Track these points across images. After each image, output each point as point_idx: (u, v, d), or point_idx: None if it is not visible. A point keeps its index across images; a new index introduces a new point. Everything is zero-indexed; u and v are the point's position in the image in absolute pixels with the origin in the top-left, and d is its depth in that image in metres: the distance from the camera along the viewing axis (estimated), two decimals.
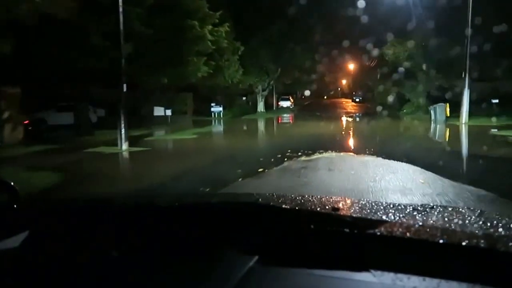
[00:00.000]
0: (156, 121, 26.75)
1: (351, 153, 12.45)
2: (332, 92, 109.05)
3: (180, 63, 18.44)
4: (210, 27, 18.80)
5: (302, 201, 1.30)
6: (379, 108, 45.10)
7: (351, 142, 16.60)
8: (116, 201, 1.57)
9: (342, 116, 35.22)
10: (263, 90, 39.59)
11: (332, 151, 11.86)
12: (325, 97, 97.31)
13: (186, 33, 17.52)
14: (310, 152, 11.36)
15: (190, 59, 18.78)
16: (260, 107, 40.06)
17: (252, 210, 1.21)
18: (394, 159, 9.98)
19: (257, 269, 0.97)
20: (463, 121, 22.41)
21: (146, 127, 22.78)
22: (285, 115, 39.26)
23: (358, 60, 73.22)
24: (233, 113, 39.32)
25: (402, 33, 31.56)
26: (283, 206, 1.23)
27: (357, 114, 39.18)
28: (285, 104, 53.31)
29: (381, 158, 10.33)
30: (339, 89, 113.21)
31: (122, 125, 13.98)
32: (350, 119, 31.91)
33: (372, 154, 11.19)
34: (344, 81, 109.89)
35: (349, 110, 45.32)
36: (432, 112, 25.02)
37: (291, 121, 33.37)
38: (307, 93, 69.53)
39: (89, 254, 1.12)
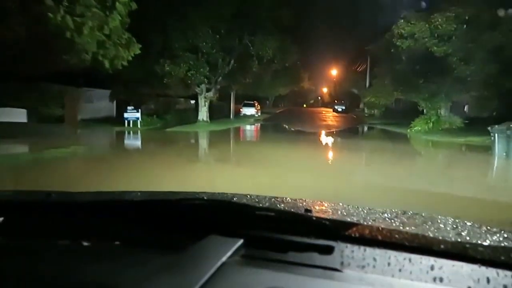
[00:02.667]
0: None
1: None
2: (312, 101, 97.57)
3: None
4: None
5: (276, 202, 1.28)
6: (371, 122, 31.94)
7: None
8: (94, 194, 1.41)
9: (319, 134, 21.77)
10: (208, 90, 26.02)
11: None
12: (305, 106, 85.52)
13: None
14: None
15: None
16: (203, 114, 26.40)
17: (228, 208, 1.21)
18: None
19: (243, 251, 0.98)
20: None
21: None
22: (236, 128, 25.73)
23: (342, 63, 60.43)
24: (163, 122, 25.82)
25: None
26: (258, 205, 1.22)
27: (341, 130, 25.69)
28: (248, 111, 39.88)
29: None
30: (319, 98, 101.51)
31: None
32: (329, 141, 18.46)
33: None
34: (325, 89, 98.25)
35: (329, 123, 31.94)
36: (498, 138, 11.83)
37: (236, 140, 19.80)
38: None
39: (60, 243, 1.09)
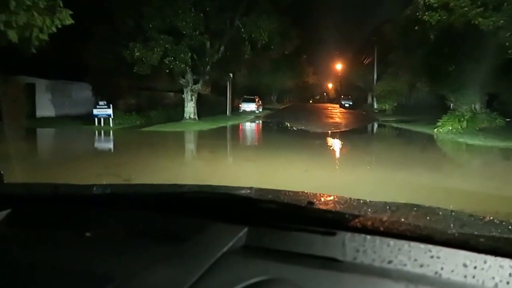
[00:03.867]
0: None
1: None
2: (317, 97, 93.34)
3: None
4: None
5: (279, 194, 1.24)
6: (383, 119, 27.29)
7: None
8: (98, 186, 1.43)
9: (328, 137, 17.17)
10: (195, 81, 21.47)
11: None
12: (311, 101, 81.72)
13: None
14: None
15: None
16: (189, 111, 21.79)
17: (231, 199, 1.18)
18: None
19: (244, 241, 0.97)
20: None
21: None
22: (229, 128, 21.26)
23: (347, 56, 55.55)
24: (145, 120, 21.46)
25: None
26: (261, 198, 1.20)
27: (352, 130, 21.11)
28: (248, 107, 35.27)
29: None
30: (325, 93, 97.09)
31: None
32: (341, 147, 13.87)
33: None
34: (330, 85, 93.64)
35: (337, 121, 27.33)
36: None
37: (223, 145, 15.19)
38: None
39: (64, 233, 1.09)
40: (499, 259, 0.83)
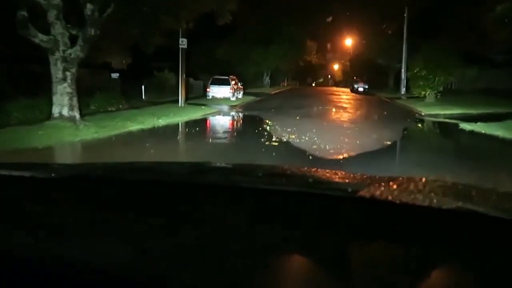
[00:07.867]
0: None
1: None
2: (321, 80, 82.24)
3: None
4: None
5: (284, 168, 1.25)
6: (431, 113, 16.38)
7: None
8: (96, 165, 1.40)
9: (346, 168, 6.17)
10: (72, 40, 10.47)
11: None
12: (313, 84, 71.29)
13: None
14: None
15: None
16: (61, 101, 10.69)
17: (237, 171, 1.20)
18: None
19: (248, 214, 0.96)
20: None
21: None
22: (127, 141, 10.31)
23: (362, 26, 43.72)
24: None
25: None
26: (266, 169, 1.21)
27: (401, 146, 9.98)
28: (218, 92, 24.08)
29: None
30: (329, 76, 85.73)
31: None
32: None
33: None
34: (336, 66, 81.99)
35: (355, 118, 16.24)
36: None
37: None
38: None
39: (55, 215, 1.04)
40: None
